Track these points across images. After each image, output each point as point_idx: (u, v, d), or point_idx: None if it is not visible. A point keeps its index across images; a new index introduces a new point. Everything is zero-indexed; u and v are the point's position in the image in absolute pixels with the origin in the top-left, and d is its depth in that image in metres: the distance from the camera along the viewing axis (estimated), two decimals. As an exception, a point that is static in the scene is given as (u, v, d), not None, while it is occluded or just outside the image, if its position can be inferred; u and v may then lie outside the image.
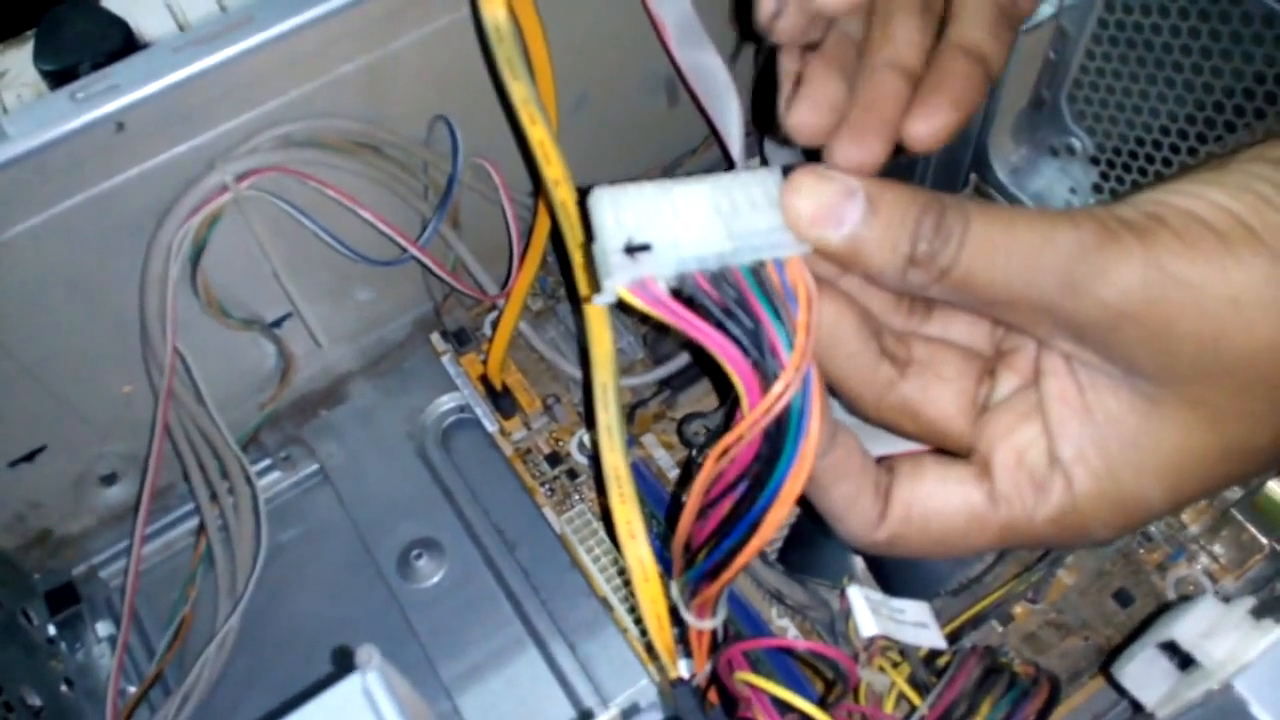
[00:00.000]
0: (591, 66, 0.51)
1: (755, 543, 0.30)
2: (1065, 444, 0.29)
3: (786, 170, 0.29)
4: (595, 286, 0.28)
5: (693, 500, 0.31)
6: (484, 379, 0.53)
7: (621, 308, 0.28)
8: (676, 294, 0.28)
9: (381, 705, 0.28)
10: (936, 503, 0.31)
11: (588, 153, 0.46)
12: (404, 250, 0.47)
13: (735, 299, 0.28)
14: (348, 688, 0.28)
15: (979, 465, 0.31)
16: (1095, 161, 0.48)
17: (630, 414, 0.52)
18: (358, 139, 0.45)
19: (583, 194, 0.30)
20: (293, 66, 0.42)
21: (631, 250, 0.28)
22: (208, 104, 0.41)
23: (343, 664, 0.35)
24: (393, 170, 0.47)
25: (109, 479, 0.52)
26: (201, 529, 0.51)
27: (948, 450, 0.34)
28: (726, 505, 0.31)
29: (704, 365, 0.52)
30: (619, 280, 0.27)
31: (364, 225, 0.46)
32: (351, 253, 0.46)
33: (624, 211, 0.28)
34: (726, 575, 0.32)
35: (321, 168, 0.44)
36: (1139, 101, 0.45)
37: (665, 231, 0.28)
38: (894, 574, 0.41)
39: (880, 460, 0.33)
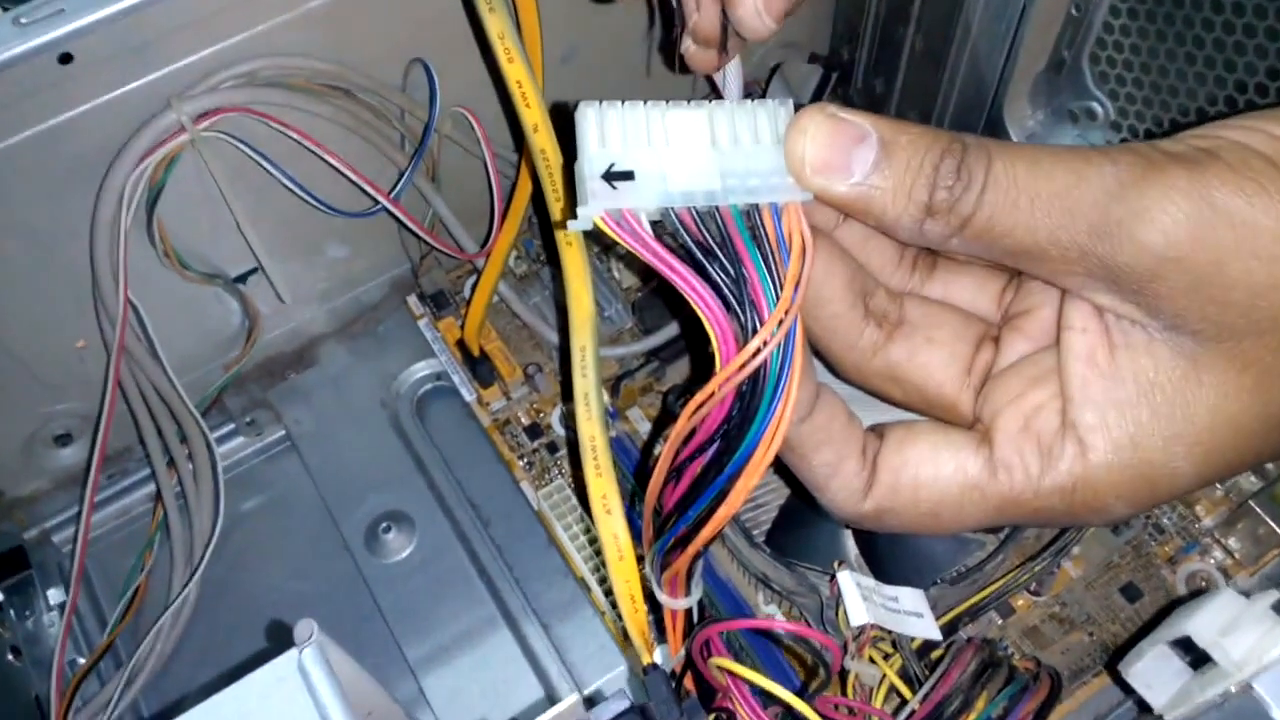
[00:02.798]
0: (584, 16, 0.48)
1: (724, 511, 0.28)
2: (1085, 408, 0.27)
3: (800, 105, 0.27)
4: (572, 211, 0.26)
5: (663, 460, 0.29)
6: (461, 344, 0.50)
7: (596, 237, 0.26)
8: (657, 226, 0.26)
9: (317, 683, 0.25)
10: (928, 470, 0.29)
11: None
12: (375, 202, 0.44)
13: (719, 240, 0.26)
14: (282, 664, 0.26)
15: (979, 433, 0.29)
16: (1117, 128, 0.45)
17: (615, 386, 0.49)
18: (327, 81, 0.42)
19: (569, 114, 0.27)
20: (258, -1, 0.39)
21: (613, 177, 0.25)
22: (164, 36, 0.38)
23: (281, 639, 0.32)
24: (366, 116, 0.44)
25: (63, 439, 0.50)
26: (158, 495, 0.48)
27: (944, 420, 0.31)
28: (698, 467, 0.29)
29: (688, 334, 0.50)
30: (594, 210, 0.25)
31: (334, 175, 0.43)
32: (318, 202, 0.43)
33: (611, 132, 0.26)
34: (694, 546, 0.30)
35: (287, 110, 0.41)
36: (1166, 63, 0.42)
37: (653, 160, 0.26)
38: (888, 559, 0.39)
39: (872, 429, 0.31)
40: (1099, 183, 0.24)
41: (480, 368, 0.50)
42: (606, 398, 0.49)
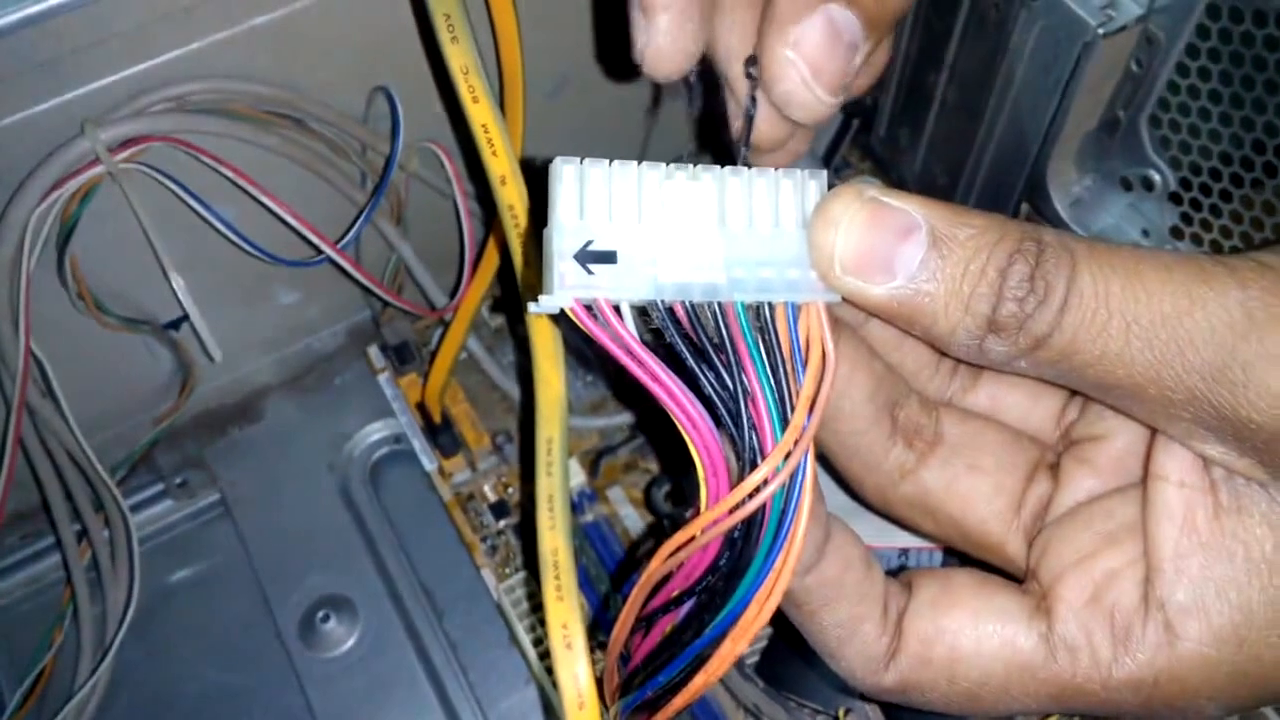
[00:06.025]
0: (575, 41, 0.42)
1: (701, 680, 0.23)
2: (1178, 585, 0.21)
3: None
4: (537, 290, 0.21)
5: (630, 604, 0.24)
6: (421, 406, 0.45)
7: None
8: (642, 315, 0.21)
9: None
10: (968, 642, 0.24)
11: (566, 149, 0.37)
12: (320, 251, 0.38)
13: (716, 342, 0.21)
14: None
15: (1034, 597, 0.24)
16: (1177, 200, 0.39)
17: (595, 462, 0.44)
18: (275, 108, 0.37)
19: (543, 171, 0.22)
20: (193, 11, 0.34)
21: (589, 258, 0.20)
22: (80, 50, 0.33)
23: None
24: (319, 150, 0.38)
25: (-34, 496, 0.44)
26: (66, 565, 0.42)
27: (984, 563, 0.26)
28: (674, 618, 0.24)
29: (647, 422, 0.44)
30: (562, 299, 0.20)
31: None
32: (256, 249, 0.37)
33: (592, 200, 0.21)
34: (664, 715, 0.25)
35: (225, 141, 0.36)
36: (1240, 131, 0.36)
37: (643, 241, 0.21)
38: (906, 707, 0.33)
39: (894, 572, 0.25)
40: (1221, 311, 0.18)
41: (442, 435, 0.44)
42: (584, 477, 0.43)
